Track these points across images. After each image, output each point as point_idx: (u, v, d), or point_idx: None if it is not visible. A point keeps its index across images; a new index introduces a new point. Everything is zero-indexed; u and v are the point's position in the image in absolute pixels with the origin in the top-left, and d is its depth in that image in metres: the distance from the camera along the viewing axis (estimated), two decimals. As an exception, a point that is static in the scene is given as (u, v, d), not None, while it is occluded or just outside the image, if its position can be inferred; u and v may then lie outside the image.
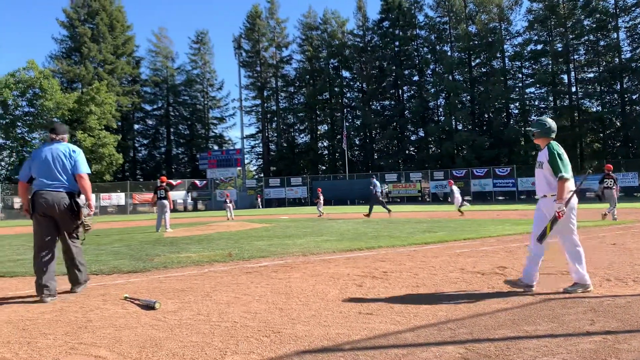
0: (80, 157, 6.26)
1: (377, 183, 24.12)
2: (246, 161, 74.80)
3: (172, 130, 78.21)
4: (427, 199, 54.41)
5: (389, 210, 23.33)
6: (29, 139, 62.67)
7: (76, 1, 68.91)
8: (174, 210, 29.73)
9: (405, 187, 55.24)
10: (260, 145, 79.18)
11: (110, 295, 5.74)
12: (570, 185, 5.25)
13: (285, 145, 76.60)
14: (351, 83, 77.81)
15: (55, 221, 5.89)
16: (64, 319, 4.62)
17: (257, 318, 4.37)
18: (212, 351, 3.49)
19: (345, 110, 76.53)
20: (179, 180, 59.98)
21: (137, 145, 78.14)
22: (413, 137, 72.44)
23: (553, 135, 5.52)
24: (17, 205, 51.47)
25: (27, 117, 61.77)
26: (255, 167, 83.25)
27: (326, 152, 78.23)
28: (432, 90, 68.02)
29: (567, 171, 5.17)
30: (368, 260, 7.98)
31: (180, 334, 3.92)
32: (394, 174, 58.19)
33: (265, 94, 77.61)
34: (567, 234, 5.29)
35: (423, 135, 69.68)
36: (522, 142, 59.71)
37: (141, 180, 67.96)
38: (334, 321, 4.22)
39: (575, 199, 5.32)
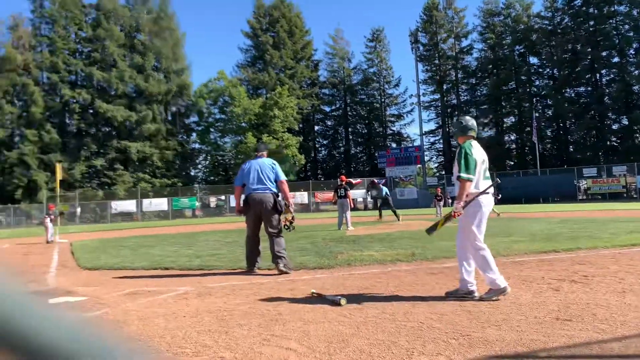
0: (279, 167, 8.44)
1: (384, 188, 23.98)
2: (426, 158, 73.43)
3: (350, 129, 79.44)
4: (634, 196, 48.46)
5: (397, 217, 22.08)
6: (221, 143, 68.53)
7: (258, 11, 73.66)
8: (354, 209, 30.31)
9: (606, 182, 49.76)
10: (441, 141, 77.00)
11: (299, 290, 5.99)
12: (482, 185, 5.15)
13: (467, 140, 73.71)
14: (540, 70, 72.19)
15: (261, 217, 8.01)
16: (257, 311, 4.91)
17: (443, 319, 4.25)
18: (398, 350, 3.46)
19: (534, 99, 70.96)
20: (358, 179, 60.93)
21: (317, 145, 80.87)
22: (615, 126, 65.10)
23: (471, 134, 5.42)
24: (212, 205, 56.53)
25: (219, 124, 67.59)
26: (436, 165, 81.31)
27: (514, 146, 73.52)
28: (637, 72, 60.66)
29: (470, 172, 5.05)
30: (565, 263, 7.34)
31: (366, 331, 3.95)
32: (593, 167, 52.58)
33: (444, 87, 75.57)
34: (467, 238, 5.11)
35: (627, 123, 61.97)
36: None
37: (322, 179, 70.56)
38: (528, 326, 3.93)
39: (485, 202, 5.16)
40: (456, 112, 74.59)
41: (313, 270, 7.63)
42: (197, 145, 70.46)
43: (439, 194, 28.62)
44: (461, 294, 5.14)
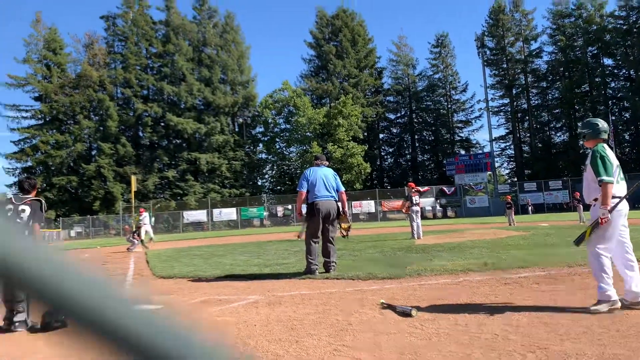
0: (338, 178, 8.98)
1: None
2: (497, 165, 71.27)
3: (416, 136, 78.28)
4: None
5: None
6: (287, 153, 69.35)
7: (320, 22, 74.16)
8: (423, 217, 30.05)
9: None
10: (512, 147, 74.63)
11: (367, 300, 5.94)
12: (616, 190, 4.87)
13: (540, 145, 70.77)
14: (615, 71, 68.61)
15: (325, 223, 8.48)
16: (327, 321, 4.91)
17: (519, 332, 4.10)
18: (472, 363, 3.38)
19: (609, 102, 67.80)
20: (426, 187, 60.06)
21: (383, 154, 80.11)
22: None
23: (603, 136, 5.19)
24: (280, 214, 57.16)
25: (284, 133, 68.43)
26: (507, 171, 78.91)
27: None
28: None
29: (610, 174, 4.82)
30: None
31: (439, 343, 3.87)
32: (680, 173, 49.31)
33: (514, 92, 73.01)
34: (594, 241, 4.86)
35: None
36: None
37: (389, 187, 69.99)
38: (610, 340, 3.75)
39: (621, 208, 4.87)
40: (527, 117, 72.42)
41: (382, 280, 7.55)
42: (263, 155, 71.63)
43: (509, 201, 27.85)
44: (629, 303, 4.81)
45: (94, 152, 67.16)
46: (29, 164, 65.94)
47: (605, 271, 4.77)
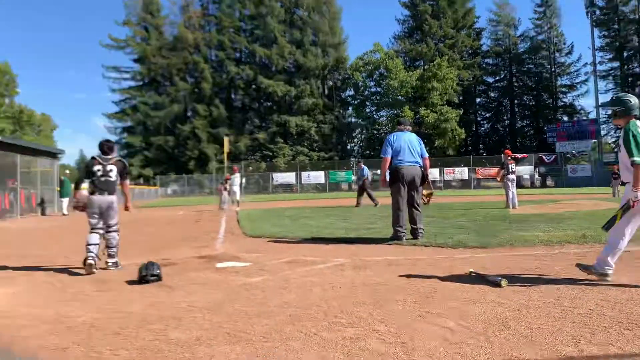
0: (423, 144, 8.76)
1: (365, 169, 20.90)
2: (603, 132, 67.16)
3: (516, 102, 74.91)
4: None
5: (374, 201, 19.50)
6: (377, 117, 68.68)
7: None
8: (519, 186, 28.95)
9: None
10: (620, 114, 69.95)
11: (457, 268, 5.81)
12: None
13: (651, 113, 66.00)
14: None
15: (410, 189, 8.32)
16: (413, 287, 4.84)
17: (617, 307, 3.85)
18: (563, 337, 3.20)
19: None
20: (524, 154, 57.55)
21: (479, 119, 77.60)
22: None
23: (636, 112, 4.84)
24: (369, 178, 56.85)
25: (375, 97, 67.65)
26: (614, 139, 74.17)
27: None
28: None
29: None
30: None
31: (528, 315, 3.71)
32: None
33: (625, 54, 67.58)
34: (622, 223, 4.71)
35: None
36: None
37: (484, 154, 67.78)
38: None
39: None
40: (639, 82, 67.32)
41: (472, 249, 7.34)
42: (353, 119, 71.45)
43: (616, 171, 26.26)
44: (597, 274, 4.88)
45: (189, 114, 69.81)
46: (129, 123, 69.68)
47: (616, 252, 4.79)
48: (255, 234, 10.35)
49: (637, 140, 4.62)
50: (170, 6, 70.92)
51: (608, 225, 4.85)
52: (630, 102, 4.90)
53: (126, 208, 7.38)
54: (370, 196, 20.06)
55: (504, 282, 4.69)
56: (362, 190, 20.75)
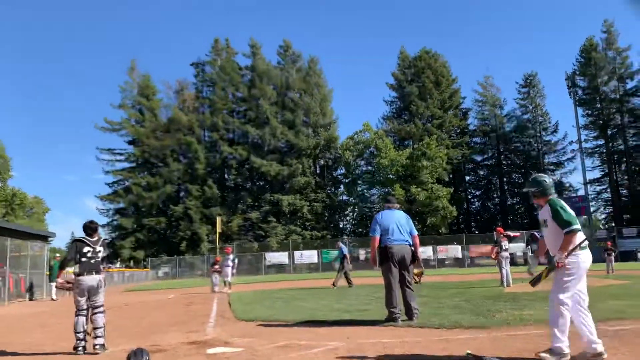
0: (411, 221, 8.68)
1: (344, 247, 20.76)
2: (592, 209, 67.51)
3: (505, 179, 75.67)
4: None
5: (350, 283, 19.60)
6: (368, 195, 69.09)
7: (402, 63, 74.22)
8: (513, 263, 28.76)
9: None
10: (608, 190, 70.56)
11: (453, 350, 5.68)
12: (578, 238, 4.86)
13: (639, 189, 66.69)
14: None
15: (400, 269, 8.12)
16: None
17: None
18: None
19: None
20: (517, 232, 57.40)
21: (470, 197, 78.07)
22: None
23: (552, 191, 5.27)
24: (361, 257, 56.46)
25: (366, 175, 68.32)
26: (604, 216, 74.36)
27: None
28: None
29: (574, 223, 4.84)
30: None
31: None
32: None
33: (609, 132, 69.26)
34: (557, 290, 4.91)
35: None
36: None
37: (476, 232, 67.66)
38: None
39: (583, 258, 4.94)
40: (624, 159, 68.48)
41: (468, 329, 7.21)
42: (344, 198, 71.75)
43: (609, 247, 26.30)
44: (590, 356, 4.83)
45: (182, 194, 70.08)
46: (122, 205, 69.56)
47: (564, 323, 4.85)
48: (247, 317, 10.10)
49: (565, 210, 4.93)
50: (165, 90, 72.62)
51: (534, 282, 5.38)
52: (546, 182, 5.32)
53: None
54: (346, 277, 19.86)
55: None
56: (342, 268, 20.38)
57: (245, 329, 8.50)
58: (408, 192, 60.41)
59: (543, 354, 4.81)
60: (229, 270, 20.52)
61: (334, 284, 19.82)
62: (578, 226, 4.87)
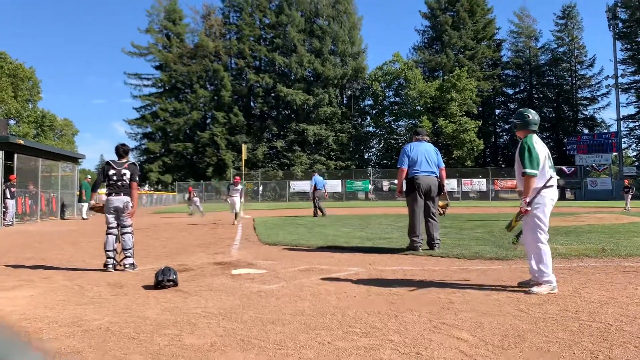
0: (439, 154, 8.74)
1: (319, 180, 20.80)
2: (624, 146, 65.93)
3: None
4: None
5: (323, 213, 20.16)
6: (395, 127, 68.48)
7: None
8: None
9: None
10: (642, 127, 68.63)
11: (472, 279, 5.79)
12: (540, 180, 5.03)
13: (674, 126, 64.50)
14: None
15: (425, 199, 8.28)
16: (428, 297, 4.82)
17: (636, 323, 3.78)
18: (580, 351, 3.16)
19: None
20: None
21: (498, 130, 76.87)
22: None
23: (534, 128, 5.34)
24: (385, 188, 56.80)
25: (393, 107, 67.48)
26: (635, 153, 72.68)
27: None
28: None
29: (534, 167, 4.98)
30: None
31: (545, 329, 3.66)
32: None
33: (647, 67, 67.22)
34: (530, 230, 5.06)
35: None
36: None
37: (503, 166, 67.13)
38: None
39: (548, 195, 5.05)
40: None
41: (489, 260, 7.31)
42: (371, 129, 71.25)
43: (627, 185, 26.01)
44: (534, 284, 5.07)
45: (208, 121, 70.33)
46: (149, 129, 70.25)
47: (545, 258, 5.00)
48: (271, 241, 10.37)
49: (531, 153, 5.04)
50: (192, 14, 71.55)
51: (508, 226, 5.59)
52: (529, 117, 5.34)
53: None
54: (317, 207, 20.39)
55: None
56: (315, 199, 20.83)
57: (269, 253, 8.72)
58: (436, 124, 59.79)
59: (535, 289, 4.94)
60: (236, 200, 18.69)
61: (315, 214, 20.50)
62: (534, 171, 4.98)
